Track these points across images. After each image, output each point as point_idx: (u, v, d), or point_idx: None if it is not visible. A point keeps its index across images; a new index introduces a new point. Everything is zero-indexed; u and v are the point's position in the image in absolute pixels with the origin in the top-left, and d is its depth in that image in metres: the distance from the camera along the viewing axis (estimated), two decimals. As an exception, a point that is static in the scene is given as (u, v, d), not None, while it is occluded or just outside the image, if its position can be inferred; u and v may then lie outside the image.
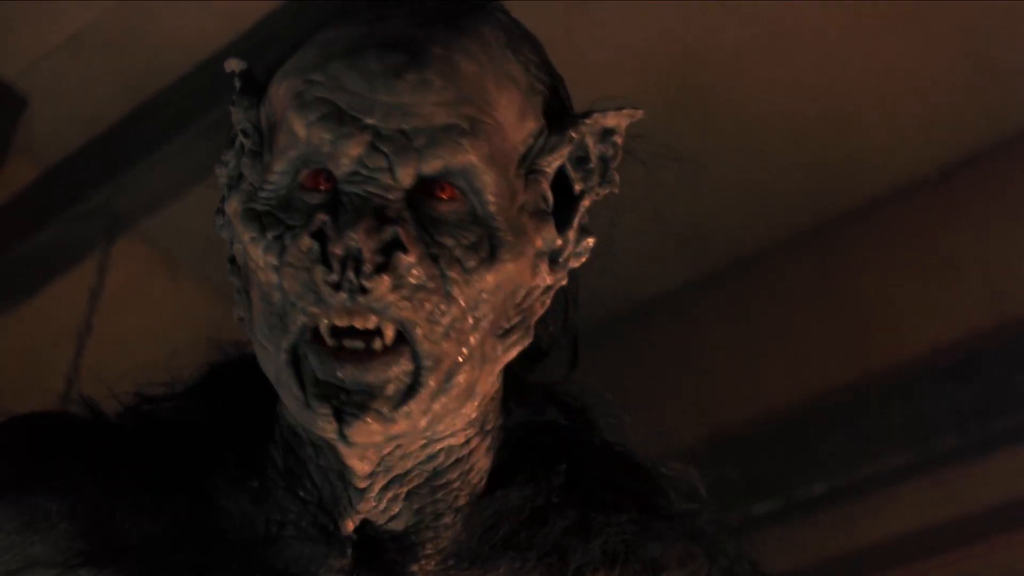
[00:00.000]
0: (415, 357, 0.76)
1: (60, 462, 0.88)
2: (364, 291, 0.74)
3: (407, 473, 0.82)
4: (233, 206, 0.81)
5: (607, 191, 0.86)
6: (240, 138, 0.84)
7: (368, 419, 0.75)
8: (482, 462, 0.85)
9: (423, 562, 0.83)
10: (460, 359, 0.78)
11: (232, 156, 0.85)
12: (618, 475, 0.89)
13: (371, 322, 0.75)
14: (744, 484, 2.83)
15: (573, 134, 0.83)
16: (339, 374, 0.75)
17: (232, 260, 0.85)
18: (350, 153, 0.76)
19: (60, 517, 0.85)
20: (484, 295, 0.78)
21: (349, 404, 0.75)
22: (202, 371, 0.93)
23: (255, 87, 0.85)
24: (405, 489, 0.83)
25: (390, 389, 0.76)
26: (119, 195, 2.75)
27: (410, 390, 0.77)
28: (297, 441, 0.84)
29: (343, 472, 0.82)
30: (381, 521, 0.82)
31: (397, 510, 0.83)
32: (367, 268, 0.74)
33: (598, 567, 0.84)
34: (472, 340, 0.78)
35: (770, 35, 2.75)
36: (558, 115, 0.85)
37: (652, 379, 3.04)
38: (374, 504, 0.82)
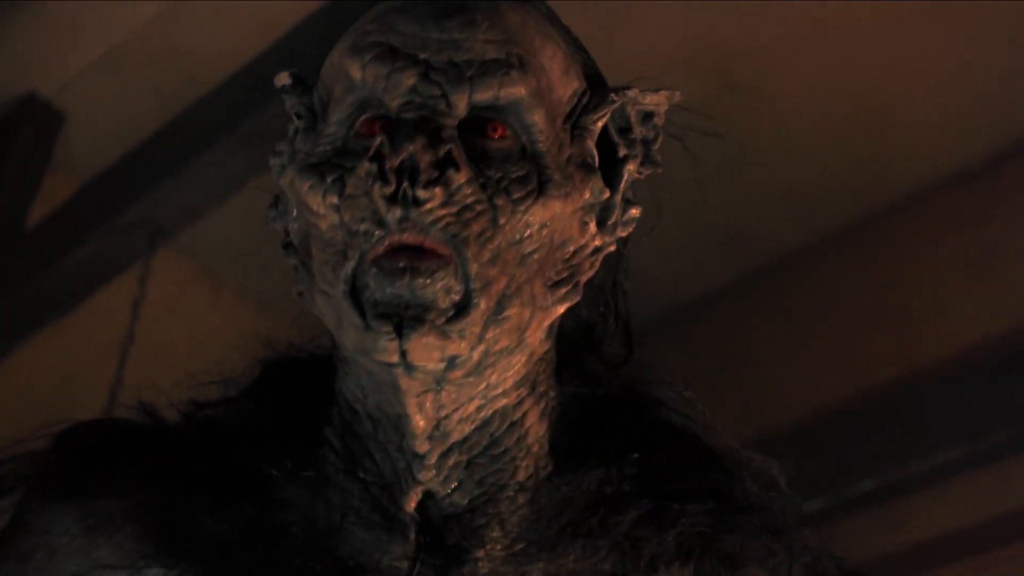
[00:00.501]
0: (464, 278, 0.78)
1: (122, 467, 0.89)
2: (418, 203, 0.76)
3: (465, 440, 0.83)
4: (288, 176, 0.84)
5: (650, 171, 0.89)
6: (294, 122, 0.87)
7: (425, 331, 0.76)
8: (536, 427, 0.85)
9: (489, 547, 0.82)
10: (508, 291, 0.79)
11: (285, 144, 0.88)
12: (691, 461, 0.89)
13: (419, 240, 0.77)
14: (794, 482, 2.80)
15: (615, 97, 0.87)
16: (394, 288, 0.76)
17: (286, 245, 0.87)
18: (404, 83, 0.79)
19: (124, 520, 0.86)
20: (530, 230, 0.80)
21: (407, 319, 0.76)
22: (254, 370, 0.94)
23: (304, 82, 0.89)
24: (465, 458, 0.83)
25: (443, 301, 0.77)
26: (157, 208, 2.77)
27: (462, 308, 0.78)
28: (355, 418, 0.85)
29: (402, 444, 0.82)
30: (443, 493, 0.83)
31: (458, 480, 0.83)
32: (422, 178, 0.77)
33: (672, 559, 0.83)
34: (520, 275, 0.80)
35: (807, 31, 2.74)
36: (598, 84, 0.88)
37: (697, 378, 3.01)
38: (435, 473, 0.82)
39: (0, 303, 2.93)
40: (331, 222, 0.79)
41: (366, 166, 0.78)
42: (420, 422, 0.80)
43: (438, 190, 0.77)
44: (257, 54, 2.61)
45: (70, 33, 2.79)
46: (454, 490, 0.83)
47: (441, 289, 0.77)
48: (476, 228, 0.78)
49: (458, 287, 0.78)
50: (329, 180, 0.80)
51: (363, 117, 0.81)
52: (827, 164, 2.93)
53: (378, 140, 0.78)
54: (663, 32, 2.64)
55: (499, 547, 0.82)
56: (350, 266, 0.78)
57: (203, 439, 0.90)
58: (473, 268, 0.78)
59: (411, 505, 0.83)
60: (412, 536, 0.82)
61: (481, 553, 0.82)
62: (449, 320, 0.77)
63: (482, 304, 0.78)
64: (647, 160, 0.89)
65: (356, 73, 0.81)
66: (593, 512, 0.84)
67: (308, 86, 0.88)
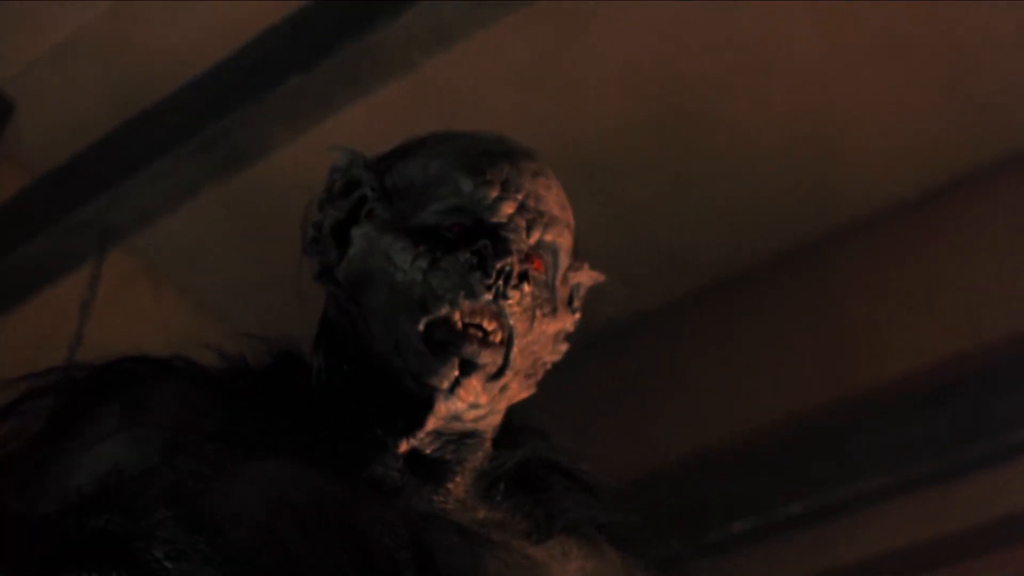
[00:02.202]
0: (506, 357, 1.11)
1: (157, 380, 1.12)
2: (505, 297, 1.10)
3: (452, 435, 1.14)
4: (364, 229, 1.14)
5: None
6: (368, 191, 1.17)
7: (478, 376, 1.10)
8: (489, 445, 1.17)
9: (453, 485, 1.13)
10: (514, 380, 1.13)
11: (332, 204, 1.18)
12: (566, 477, 1.19)
13: (491, 325, 1.10)
14: (723, 503, 2.84)
15: (581, 266, 1.20)
16: (467, 349, 1.09)
17: (321, 275, 1.16)
18: (506, 211, 1.13)
19: (160, 409, 1.08)
20: (540, 338, 1.14)
21: (465, 365, 1.10)
22: (279, 347, 1.18)
23: (368, 164, 1.19)
24: (447, 440, 1.14)
25: (490, 368, 1.11)
26: (107, 206, 2.72)
27: (495, 375, 1.11)
28: (376, 379, 1.12)
29: (407, 416, 1.11)
30: (426, 452, 1.13)
31: (438, 446, 1.13)
32: (512, 282, 1.10)
33: (560, 532, 1.14)
34: (521, 365, 1.13)
35: (756, 61, 2.78)
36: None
37: (633, 398, 3.04)
38: (424, 438, 1.12)
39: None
40: (413, 278, 1.11)
41: (467, 255, 1.09)
42: (430, 425, 1.11)
43: (518, 292, 1.10)
44: (216, 58, 2.59)
45: (23, 21, 2.76)
46: (434, 451, 1.13)
47: (491, 359, 1.10)
48: (522, 327, 1.11)
49: (499, 362, 1.11)
50: (421, 249, 1.11)
51: (452, 220, 1.12)
52: (769, 190, 2.97)
53: (483, 242, 1.10)
54: (615, 59, 2.66)
55: (460, 489, 1.13)
56: (430, 318, 1.09)
57: (239, 370, 1.15)
58: (514, 352, 1.11)
59: (402, 449, 1.11)
60: (401, 459, 1.10)
61: (451, 486, 1.13)
62: (489, 379, 1.11)
63: (508, 376, 1.12)
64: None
65: (466, 186, 1.12)
66: (513, 492, 1.16)
67: (373, 166, 1.17)
